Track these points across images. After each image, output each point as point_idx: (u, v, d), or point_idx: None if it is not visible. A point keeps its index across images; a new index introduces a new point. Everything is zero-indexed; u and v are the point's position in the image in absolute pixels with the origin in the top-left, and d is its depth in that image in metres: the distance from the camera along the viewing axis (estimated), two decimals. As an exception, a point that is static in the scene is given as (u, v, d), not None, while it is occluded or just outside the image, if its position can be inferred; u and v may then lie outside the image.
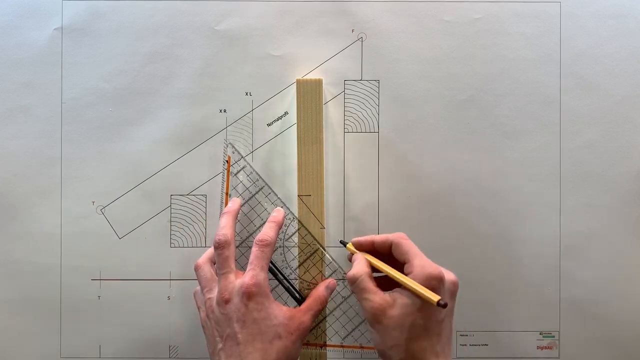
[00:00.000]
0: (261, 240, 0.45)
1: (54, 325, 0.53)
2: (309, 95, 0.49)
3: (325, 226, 0.50)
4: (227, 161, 0.50)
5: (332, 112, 0.53)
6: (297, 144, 0.49)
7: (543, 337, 0.53)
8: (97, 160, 0.53)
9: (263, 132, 0.53)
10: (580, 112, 0.53)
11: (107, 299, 0.53)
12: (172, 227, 0.53)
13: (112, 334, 0.53)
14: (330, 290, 0.49)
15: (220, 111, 0.53)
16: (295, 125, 0.50)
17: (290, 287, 0.49)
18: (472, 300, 0.53)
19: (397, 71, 0.53)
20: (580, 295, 0.53)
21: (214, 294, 0.45)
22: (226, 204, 0.50)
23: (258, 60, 0.52)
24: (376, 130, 0.53)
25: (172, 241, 0.53)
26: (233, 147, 0.51)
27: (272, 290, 0.46)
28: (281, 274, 0.50)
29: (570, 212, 0.53)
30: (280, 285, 0.50)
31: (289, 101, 0.53)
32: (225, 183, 0.51)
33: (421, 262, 0.43)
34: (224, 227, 0.46)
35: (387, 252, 0.46)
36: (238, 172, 0.51)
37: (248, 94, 0.53)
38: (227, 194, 0.51)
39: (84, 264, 0.53)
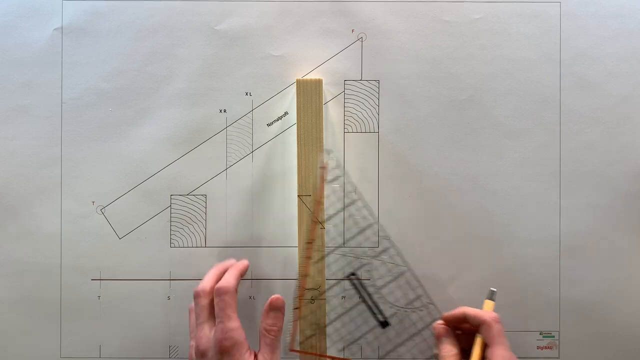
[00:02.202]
0: (219, 289, 0.45)
1: (54, 325, 0.53)
2: (309, 95, 0.49)
3: (325, 227, 0.50)
4: (323, 168, 0.49)
5: (332, 112, 0.53)
6: (297, 144, 0.49)
7: (543, 337, 0.53)
8: (97, 160, 0.53)
9: (263, 132, 0.53)
10: (580, 112, 0.53)
11: (107, 299, 0.53)
12: (172, 227, 0.53)
13: (112, 334, 0.53)
14: (279, 310, 0.46)
15: (220, 111, 0.53)
16: (295, 125, 0.50)
17: (374, 307, 0.49)
18: (471, 300, 0.53)
19: (397, 71, 0.53)
20: (580, 295, 0.53)
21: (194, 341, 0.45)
22: (316, 212, 0.49)
23: (258, 60, 0.52)
24: (376, 130, 0.53)
25: (172, 241, 0.53)
26: (329, 153, 0.50)
27: (350, 310, 0.48)
28: (367, 291, 0.50)
29: (570, 212, 0.53)
30: (362, 303, 0.49)
31: (289, 101, 0.53)
32: (319, 190, 0.49)
33: (502, 353, 0.43)
34: (206, 276, 0.47)
35: (476, 326, 0.45)
36: (333, 180, 0.50)
37: (248, 94, 0.53)
38: (318, 202, 0.49)
39: (84, 264, 0.53)
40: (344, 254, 0.51)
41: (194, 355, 0.45)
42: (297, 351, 0.49)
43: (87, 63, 0.53)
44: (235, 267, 0.48)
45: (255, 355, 0.44)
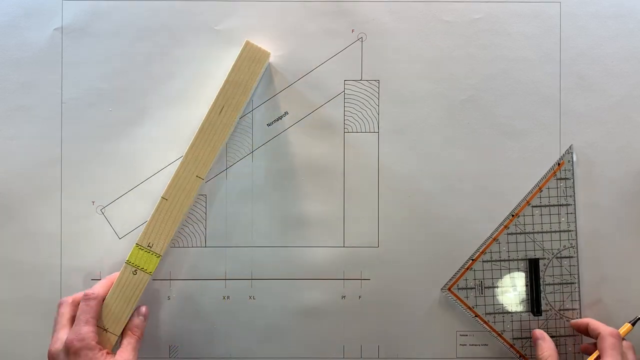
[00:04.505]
0: (86, 295, 0.47)
1: (54, 325, 0.53)
2: (251, 61, 0.49)
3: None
4: (559, 164, 0.51)
5: (332, 112, 0.53)
6: (210, 108, 0.49)
7: (543, 337, 0.53)
8: (97, 160, 0.53)
9: (263, 132, 0.53)
10: (580, 112, 0.53)
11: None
12: (172, 227, 0.53)
13: (112, 334, 0.53)
14: (144, 317, 0.49)
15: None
16: (298, 125, 0.50)
17: (534, 295, 0.52)
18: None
19: (397, 71, 0.53)
20: (580, 295, 0.53)
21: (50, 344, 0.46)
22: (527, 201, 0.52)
23: (258, 60, 0.52)
24: (376, 130, 0.53)
25: (172, 241, 0.53)
26: (572, 154, 0.52)
27: (512, 287, 0.52)
28: (536, 280, 0.52)
29: (570, 212, 0.53)
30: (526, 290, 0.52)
31: (289, 101, 0.52)
32: (543, 180, 0.52)
33: None
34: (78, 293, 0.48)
35: (594, 337, 0.48)
36: (562, 179, 0.52)
37: (248, 94, 0.52)
38: (539, 188, 0.52)
39: (84, 264, 0.53)
40: (530, 238, 0.52)
41: (47, 355, 0.46)
42: (453, 293, 0.52)
43: (87, 63, 0.53)
44: (109, 277, 0.50)
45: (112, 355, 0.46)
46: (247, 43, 0.49)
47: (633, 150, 0.53)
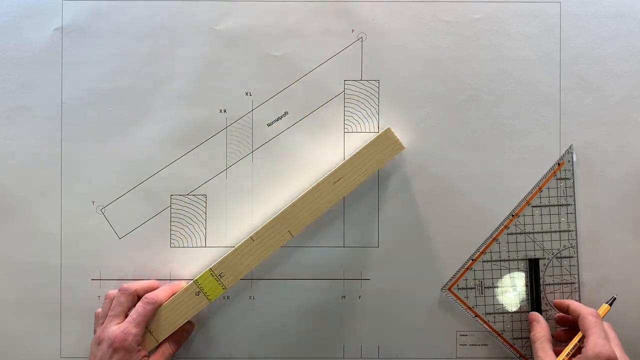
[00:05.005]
0: (149, 297, 0.48)
1: (54, 325, 0.53)
2: (384, 149, 0.49)
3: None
4: (559, 164, 0.51)
5: (332, 112, 0.53)
6: (328, 176, 0.49)
7: (543, 337, 0.53)
8: (97, 160, 0.53)
9: (263, 132, 0.53)
10: (580, 112, 0.53)
11: (107, 299, 0.53)
12: (172, 227, 0.53)
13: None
14: (187, 333, 0.51)
15: (220, 111, 0.53)
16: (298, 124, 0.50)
17: (534, 295, 0.52)
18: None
19: (397, 71, 0.53)
20: (580, 295, 0.53)
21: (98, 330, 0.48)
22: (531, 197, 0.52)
23: (258, 60, 0.52)
24: (376, 130, 0.53)
25: (172, 241, 0.53)
26: (572, 154, 0.52)
27: (512, 287, 0.52)
28: (536, 280, 0.52)
29: (570, 212, 0.53)
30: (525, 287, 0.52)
31: (289, 101, 0.52)
32: (543, 180, 0.52)
33: (595, 340, 0.45)
34: (146, 282, 0.51)
35: (575, 319, 0.48)
36: (562, 179, 0.52)
37: (248, 94, 0.53)
38: (539, 188, 0.52)
39: (84, 264, 0.53)
40: (530, 238, 0.52)
41: (93, 341, 0.48)
42: (453, 293, 0.52)
43: (87, 63, 0.53)
44: (173, 285, 0.51)
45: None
46: (388, 130, 0.49)
47: (633, 150, 0.53)
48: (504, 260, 0.52)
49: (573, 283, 0.52)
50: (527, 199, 0.52)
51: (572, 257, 0.52)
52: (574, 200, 0.52)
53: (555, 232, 0.52)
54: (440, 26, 0.52)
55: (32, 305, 0.53)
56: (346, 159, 0.50)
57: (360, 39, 0.53)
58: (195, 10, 0.52)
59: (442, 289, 0.52)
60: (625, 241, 0.53)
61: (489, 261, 0.52)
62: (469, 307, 0.52)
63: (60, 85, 0.53)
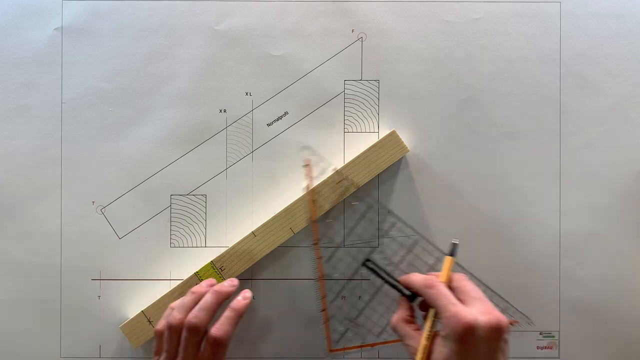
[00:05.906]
0: (214, 339, 0.44)
1: (54, 325, 0.53)
2: (389, 151, 0.50)
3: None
4: (307, 165, 0.50)
5: (332, 112, 0.53)
6: (332, 175, 0.49)
7: (543, 337, 0.53)
8: (97, 160, 0.53)
9: (263, 132, 0.53)
10: (580, 112, 0.53)
11: (107, 299, 0.53)
12: (172, 227, 0.53)
13: (112, 334, 0.53)
14: (243, 298, 0.47)
15: (220, 111, 0.53)
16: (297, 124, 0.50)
17: (397, 284, 0.47)
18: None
19: (397, 71, 0.53)
20: (580, 295, 0.53)
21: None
22: (313, 214, 0.50)
23: (258, 60, 0.52)
24: (376, 130, 0.53)
25: (172, 241, 0.53)
26: (307, 149, 0.51)
27: (376, 294, 0.51)
28: (385, 272, 0.49)
29: (570, 212, 0.53)
30: (386, 284, 0.48)
31: (289, 101, 0.53)
32: (309, 189, 0.50)
33: (454, 308, 0.40)
34: (203, 309, 0.45)
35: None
36: (320, 174, 0.51)
37: (248, 94, 0.53)
38: (312, 200, 0.50)
39: (84, 264, 0.53)
40: (352, 244, 0.52)
41: None
42: (337, 350, 0.51)
43: (87, 63, 0.53)
44: (235, 309, 0.46)
45: None
46: (393, 132, 0.50)
47: (633, 150, 0.53)
48: (348, 284, 0.52)
49: (417, 240, 0.51)
50: (312, 220, 0.50)
51: (395, 223, 0.51)
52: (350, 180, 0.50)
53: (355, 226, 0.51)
54: (440, 26, 0.53)
55: (32, 305, 0.53)
56: (351, 159, 0.50)
57: (360, 39, 0.53)
58: (195, 10, 0.52)
59: (328, 355, 0.52)
60: (625, 241, 0.53)
61: (336, 295, 0.51)
62: (369, 345, 0.51)
63: (60, 85, 0.53)
